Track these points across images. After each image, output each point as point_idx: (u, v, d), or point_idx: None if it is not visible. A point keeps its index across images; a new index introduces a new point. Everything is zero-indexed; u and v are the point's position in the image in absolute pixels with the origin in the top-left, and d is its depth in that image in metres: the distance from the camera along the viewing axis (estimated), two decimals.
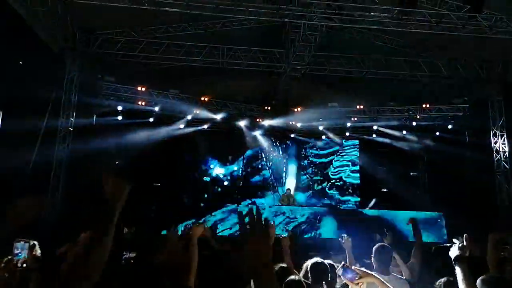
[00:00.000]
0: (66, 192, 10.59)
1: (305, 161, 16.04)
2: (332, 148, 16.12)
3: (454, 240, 2.51)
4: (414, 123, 14.51)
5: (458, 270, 2.33)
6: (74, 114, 10.96)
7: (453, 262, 2.36)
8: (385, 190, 15.51)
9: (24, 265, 2.23)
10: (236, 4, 8.74)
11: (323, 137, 15.62)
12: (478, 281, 2.29)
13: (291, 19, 9.28)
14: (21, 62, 8.63)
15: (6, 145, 7.72)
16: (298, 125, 14.63)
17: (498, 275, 2.57)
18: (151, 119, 13.72)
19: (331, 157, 16.12)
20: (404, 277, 3.40)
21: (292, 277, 3.30)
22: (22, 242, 2.26)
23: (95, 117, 12.47)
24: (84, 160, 10.89)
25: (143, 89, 12.88)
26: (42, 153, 9.69)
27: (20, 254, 2.22)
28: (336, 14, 8.76)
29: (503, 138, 12.20)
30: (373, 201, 14.73)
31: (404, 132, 14.96)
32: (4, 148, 7.52)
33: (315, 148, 16.11)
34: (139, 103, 13.11)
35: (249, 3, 8.76)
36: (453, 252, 2.38)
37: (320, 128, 15.01)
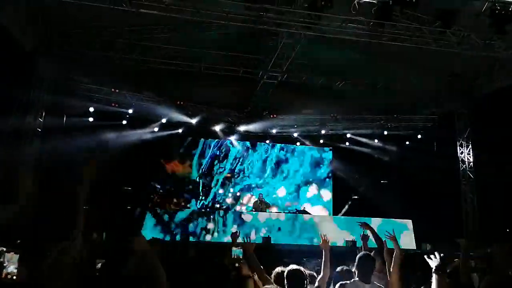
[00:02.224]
0: (33, 195, 10.18)
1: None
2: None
3: (428, 246, 2.60)
4: (385, 132, 14.91)
5: (434, 279, 2.40)
6: (43, 114, 10.58)
7: (433, 272, 2.42)
8: (356, 197, 15.81)
9: (14, 277, 2.08)
10: (215, 9, 8.72)
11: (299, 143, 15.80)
12: None
13: (270, 26, 9.34)
14: None
15: None
16: (273, 131, 14.72)
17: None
18: (124, 122, 13.42)
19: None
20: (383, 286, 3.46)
21: (268, 286, 3.29)
22: (11, 253, 2.11)
23: (65, 117, 12.08)
24: (52, 162, 10.51)
25: (117, 90, 12.58)
26: (7, 154, 9.27)
27: (7, 265, 2.07)
28: (314, 23, 8.90)
29: (468, 149, 12.74)
30: (346, 207, 14.98)
31: (376, 141, 15.34)
32: None
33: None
34: (112, 105, 12.79)
35: (229, 8, 8.76)
36: (434, 262, 2.44)
37: (295, 135, 15.17)
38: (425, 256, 2.86)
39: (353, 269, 3.52)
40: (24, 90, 9.99)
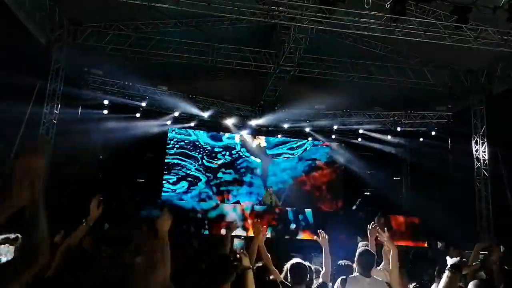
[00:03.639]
0: (48, 184, 10.43)
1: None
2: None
3: (439, 244, 2.60)
4: (398, 128, 14.74)
5: (446, 276, 2.37)
6: (59, 106, 10.82)
7: (447, 268, 2.40)
8: (368, 193, 15.72)
9: None
10: (227, 3, 8.74)
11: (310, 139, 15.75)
12: (470, 285, 2.37)
13: (282, 21, 9.32)
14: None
15: None
16: (285, 125, 14.71)
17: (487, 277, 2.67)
18: (138, 114, 13.60)
19: None
20: (384, 280, 3.47)
21: (274, 277, 3.35)
22: (6, 245, 2.14)
23: (80, 109, 12.31)
24: (67, 153, 10.73)
25: (130, 83, 12.75)
26: (24, 143, 9.49)
27: (2, 258, 2.09)
28: (326, 18, 8.83)
29: (484, 146, 12.49)
30: (357, 203, 14.93)
31: (389, 136, 15.18)
32: None
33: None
34: (126, 97, 12.98)
35: (241, 2, 8.76)
36: (452, 260, 2.42)
37: (307, 129, 15.13)
38: (447, 257, 2.84)
39: (354, 264, 3.55)
40: (41, 82, 10.20)
